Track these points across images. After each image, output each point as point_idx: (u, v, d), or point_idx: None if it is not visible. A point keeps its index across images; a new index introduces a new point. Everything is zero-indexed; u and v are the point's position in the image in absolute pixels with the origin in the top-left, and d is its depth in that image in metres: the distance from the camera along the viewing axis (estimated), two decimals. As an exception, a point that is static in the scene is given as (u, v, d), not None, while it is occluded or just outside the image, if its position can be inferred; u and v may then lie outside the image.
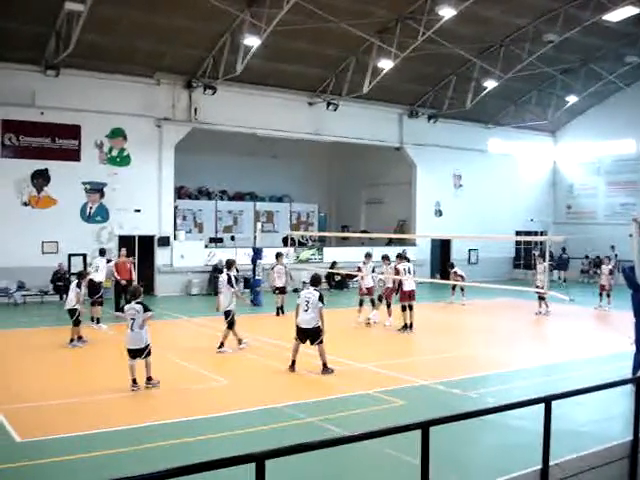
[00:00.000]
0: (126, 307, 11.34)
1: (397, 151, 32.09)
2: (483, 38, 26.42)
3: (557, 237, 26.10)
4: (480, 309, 23.10)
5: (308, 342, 12.36)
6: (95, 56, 22.90)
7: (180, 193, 30.07)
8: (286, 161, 33.28)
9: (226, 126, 26.90)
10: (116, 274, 19.54)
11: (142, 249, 25.14)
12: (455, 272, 23.70)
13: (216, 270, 26.09)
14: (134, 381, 10.96)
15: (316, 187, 35.63)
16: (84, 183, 24.14)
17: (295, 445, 4.48)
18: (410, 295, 17.63)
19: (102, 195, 24.50)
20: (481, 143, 34.51)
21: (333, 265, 27.93)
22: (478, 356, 14.96)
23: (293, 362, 12.44)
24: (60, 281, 22.68)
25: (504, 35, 26.63)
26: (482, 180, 34.08)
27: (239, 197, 33.38)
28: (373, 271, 19.08)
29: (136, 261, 23.93)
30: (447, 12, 21.88)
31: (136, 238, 25.06)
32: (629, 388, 10.04)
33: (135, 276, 20.09)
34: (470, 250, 33.42)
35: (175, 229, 26.79)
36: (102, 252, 19.64)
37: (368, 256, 19.52)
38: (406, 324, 17.47)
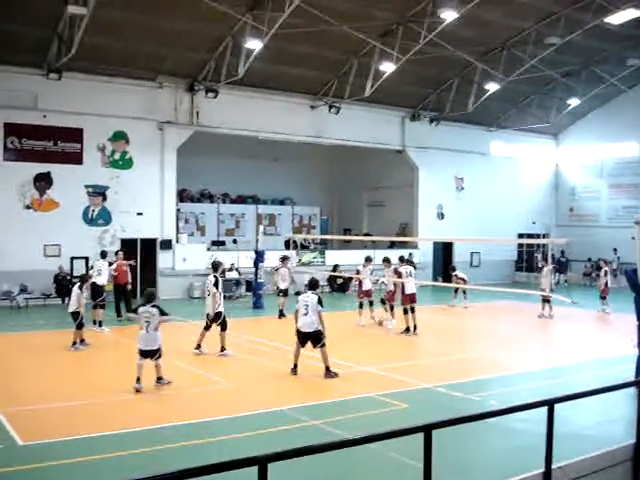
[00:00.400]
0: (141, 309, 11.41)
1: (399, 154, 32.11)
2: (485, 41, 26.42)
3: (559, 240, 26.14)
4: (482, 312, 23.09)
5: (310, 345, 12.36)
6: (97, 59, 22.96)
7: (182, 196, 30.11)
8: (288, 164, 33.31)
9: (228, 129, 26.95)
10: (115, 275, 19.55)
11: (144, 252, 25.16)
12: (457, 275, 23.69)
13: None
14: (138, 379, 11.05)
15: (318, 190, 35.66)
16: (86, 186, 24.18)
17: (298, 448, 4.47)
18: (412, 298, 17.67)
19: (104, 198, 24.53)
20: (483, 146, 34.51)
21: (335, 268, 27.93)
22: (480, 359, 14.94)
23: (295, 366, 12.43)
24: (61, 284, 22.72)
25: (506, 38, 26.64)
26: (484, 183, 34.08)
27: (241, 200, 33.42)
28: (371, 274, 19.11)
29: (138, 264, 24.01)
30: (449, 15, 21.89)
31: (138, 241, 25.09)
32: (632, 391, 10.05)
33: (130, 278, 20.09)
34: (472, 253, 33.38)
35: (177, 232, 26.80)
36: (103, 254, 19.64)
37: (368, 260, 19.64)
38: (408, 327, 17.47)
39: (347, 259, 28.43)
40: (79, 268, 22.96)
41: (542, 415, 5.94)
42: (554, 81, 31.46)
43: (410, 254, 25.92)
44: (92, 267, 19.06)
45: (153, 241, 25.56)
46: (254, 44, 22.23)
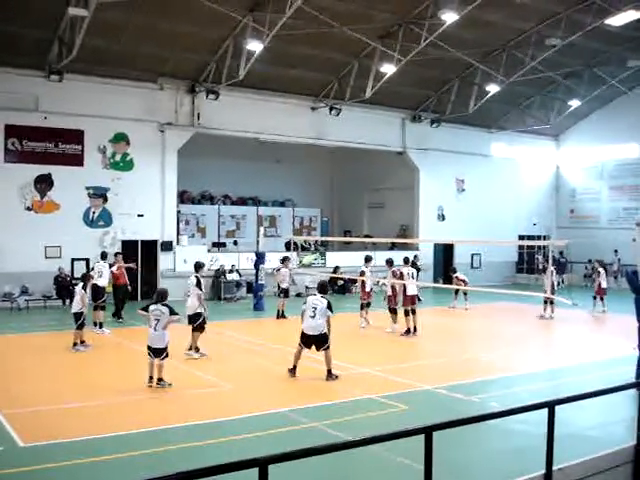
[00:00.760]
0: (152, 307, 11.57)
1: (400, 155, 32.11)
2: (486, 42, 26.43)
3: (560, 241, 26.10)
4: (483, 313, 23.08)
5: (314, 348, 12.33)
6: (98, 61, 22.96)
7: (183, 198, 30.12)
8: (289, 166, 33.32)
9: (229, 131, 26.97)
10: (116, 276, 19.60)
11: (145, 254, 25.17)
12: (457, 277, 23.69)
13: (219, 275, 26.19)
14: (150, 378, 11.29)
15: (319, 192, 35.66)
16: (87, 188, 24.18)
17: (298, 450, 4.47)
18: (413, 299, 17.66)
19: (105, 200, 24.53)
20: (484, 147, 34.52)
21: (336, 270, 27.92)
22: (481, 360, 14.94)
23: (294, 367, 12.40)
24: (61, 285, 22.72)
25: (507, 39, 26.65)
26: (485, 184, 34.08)
27: (242, 202, 33.41)
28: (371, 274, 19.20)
29: (139, 266, 24.02)
30: (450, 17, 21.88)
31: (139, 243, 25.10)
32: (633, 392, 10.05)
33: (126, 279, 20.17)
34: (473, 254, 33.39)
35: (178, 234, 26.80)
36: (104, 255, 19.66)
37: (368, 260, 19.61)
38: (409, 328, 17.46)
39: (348, 261, 28.43)
40: (80, 270, 22.94)
41: (543, 417, 5.93)
42: (555, 82, 31.47)
43: (415, 256, 25.88)
44: (92, 269, 19.06)
45: (154, 243, 25.56)
46: (255, 46, 22.25)
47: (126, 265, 20.21)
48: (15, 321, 20.14)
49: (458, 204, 33.50)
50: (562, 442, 6.21)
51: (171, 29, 22.17)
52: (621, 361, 13.40)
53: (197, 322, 14.14)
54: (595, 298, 22.83)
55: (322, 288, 12.89)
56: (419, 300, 19.42)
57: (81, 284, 15.24)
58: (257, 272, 22.83)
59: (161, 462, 7.93)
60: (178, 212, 27.30)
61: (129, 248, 24.34)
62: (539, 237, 34.57)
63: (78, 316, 14.82)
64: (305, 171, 34.34)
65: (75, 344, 14.85)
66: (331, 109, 28.57)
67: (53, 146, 23.51)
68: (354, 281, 25.44)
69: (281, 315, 20.28)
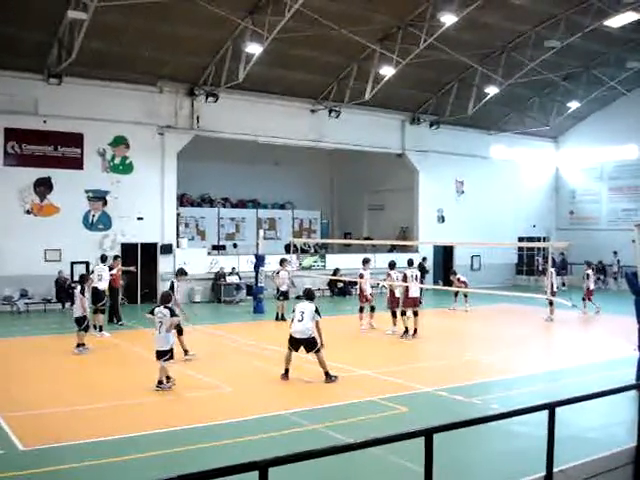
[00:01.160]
0: (156, 310, 11.74)
1: (399, 157, 32.12)
2: (485, 44, 26.46)
3: (560, 243, 26.12)
4: (483, 315, 23.07)
5: (304, 350, 12.35)
6: (98, 64, 22.97)
7: (182, 200, 30.10)
8: (288, 168, 33.32)
9: (228, 133, 26.96)
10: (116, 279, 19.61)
11: (145, 257, 25.15)
12: (458, 279, 23.69)
13: (218, 277, 26.18)
14: (167, 378, 11.45)
15: (318, 194, 35.66)
16: (87, 191, 24.17)
17: (298, 453, 4.46)
18: (415, 301, 17.66)
19: (105, 203, 24.53)
20: (483, 149, 34.54)
21: (335, 272, 27.91)
22: (481, 362, 14.92)
23: (286, 370, 12.43)
24: (61, 288, 22.71)
25: (506, 41, 26.67)
26: (484, 186, 34.09)
27: (241, 204, 33.42)
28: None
29: (139, 269, 24.02)
30: (448, 19, 21.91)
31: (139, 246, 25.09)
32: (633, 394, 10.05)
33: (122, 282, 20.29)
34: (473, 256, 33.39)
35: (178, 236, 26.79)
36: (103, 258, 19.68)
37: (366, 262, 19.57)
38: (407, 329, 17.44)
39: (348, 263, 28.41)
40: (79, 273, 22.96)
41: (543, 418, 5.93)
42: (554, 84, 31.50)
43: (424, 258, 25.80)
44: (92, 272, 19.06)
45: (153, 245, 25.55)
46: (254, 48, 22.25)
47: (126, 268, 20.21)
48: (15, 324, 20.13)
49: (458, 206, 33.51)
50: (563, 444, 6.21)
51: (170, 32, 22.17)
52: (621, 362, 13.39)
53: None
54: (584, 300, 22.79)
55: (309, 295, 13.02)
56: (420, 303, 19.40)
57: (79, 287, 15.24)
58: (257, 275, 22.84)
59: (162, 465, 7.92)
60: (178, 215, 27.29)
61: (129, 251, 24.35)
62: (539, 239, 34.56)
63: (82, 320, 14.90)
64: (305, 173, 34.35)
65: (79, 345, 14.88)
66: (330, 111, 28.59)
67: (52, 149, 23.52)
68: (354, 283, 25.43)
69: (281, 318, 20.28)
